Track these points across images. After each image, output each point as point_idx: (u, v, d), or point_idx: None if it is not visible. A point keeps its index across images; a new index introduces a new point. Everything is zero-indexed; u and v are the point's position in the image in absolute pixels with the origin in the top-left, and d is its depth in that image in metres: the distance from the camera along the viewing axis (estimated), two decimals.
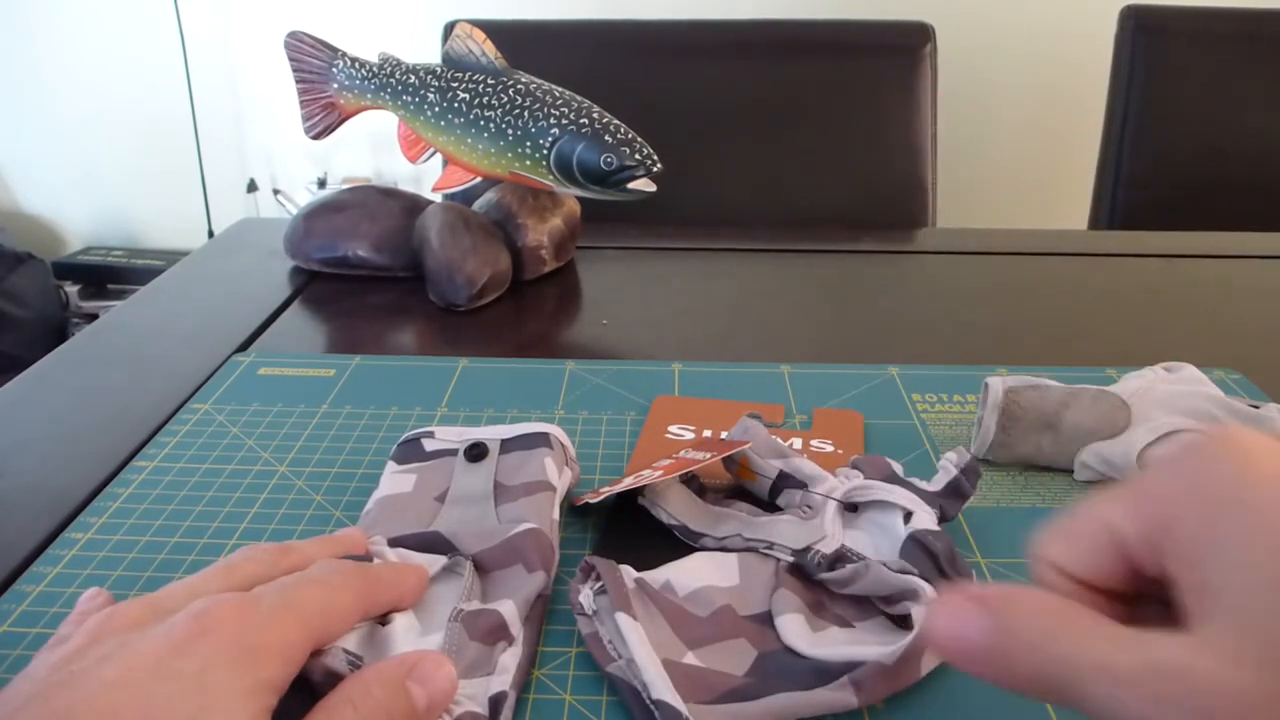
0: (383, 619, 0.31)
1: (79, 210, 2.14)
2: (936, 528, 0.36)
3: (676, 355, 0.57)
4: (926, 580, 0.33)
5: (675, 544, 0.38)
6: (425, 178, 1.89)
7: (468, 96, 0.62)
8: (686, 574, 0.35)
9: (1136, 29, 1.09)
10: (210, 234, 2.05)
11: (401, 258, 0.69)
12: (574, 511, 0.42)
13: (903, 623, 0.33)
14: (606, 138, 0.60)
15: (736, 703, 0.30)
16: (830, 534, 0.37)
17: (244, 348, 0.59)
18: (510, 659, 0.31)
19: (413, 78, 0.65)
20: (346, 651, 0.28)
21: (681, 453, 0.42)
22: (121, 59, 1.97)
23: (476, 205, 0.70)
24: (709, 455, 0.39)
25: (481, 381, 0.54)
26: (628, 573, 0.34)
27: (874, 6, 1.55)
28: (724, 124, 1.05)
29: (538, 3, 1.78)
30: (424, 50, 1.56)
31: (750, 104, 1.04)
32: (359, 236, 0.69)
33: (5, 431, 0.49)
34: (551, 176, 0.61)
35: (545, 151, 0.61)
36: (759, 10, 1.33)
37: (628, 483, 0.39)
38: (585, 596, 0.33)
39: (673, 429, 0.48)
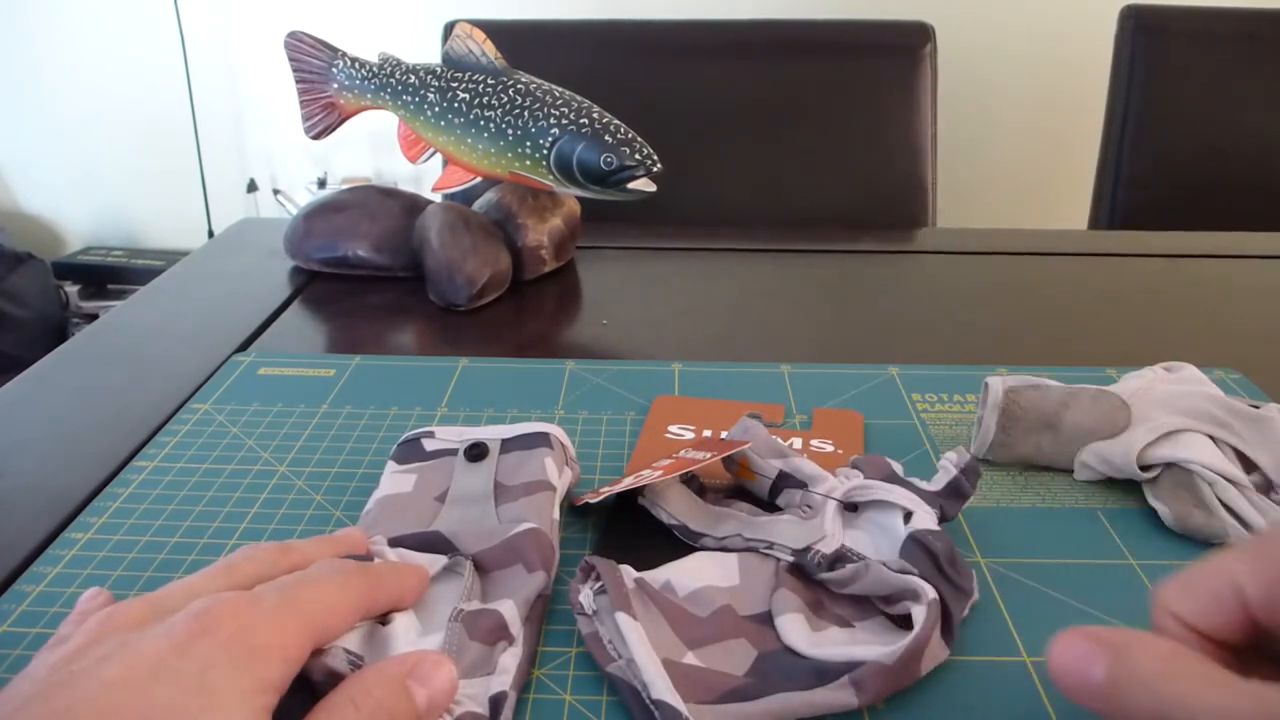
0: (383, 619, 0.31)
1: (79, 210, 2.14)
2: (936, 528, 0.36)
3: (676, 355, 0.57)
4: (926, 580, 0.33)
5: (675, 544, 0.38)
6: (425, 178, 1.89)
7: (468, 96, 0.62)
8: (686, 574, 0.35)
9: (1136, 29, 1.09)
10: (210, 234, 2.05)
11: (401, 258, 0.69)
12: (574, 511, 0.42)
13: (903, 623, 0.33)
14: (606, 138, 0.60)
15: (736, 703, 0.30)
16: (830, 534, 0.37)
17: (244, 348, 0.59)
18: (510, 659, 0.31)
19: (413, 78, 0.65)
20: (347, 651, 0.28)
21: (681, 453, 0.42)
22: (121, 59, 1.97)
23: (476, 205, 0.70)
24: (709, 455, 0.39)
25: (481, 381, 0.54)
26: (628, 573, 0.34)
27: (874, 6, 1.55)
28: (724, 124, 1.05)
29: (538, 3, 1.79)
30: (424, 50, 1.56)
31: (750, 104, 1.04)
32: (359, 236, 0.69)
33: (5, 431, 0.49)
34: (551, 176, 0.61)
35: (545, 151, 0.61)
36: (759, 10, 1.33)
37: (628, 483, 0.39)
38: (585, 596, 0.33)
39: (673, 429, 0.48)
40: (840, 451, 0.46)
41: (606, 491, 0.39)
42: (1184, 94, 1.10)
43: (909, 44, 1.04)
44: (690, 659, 0.32)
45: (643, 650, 0.30)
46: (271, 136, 2.03)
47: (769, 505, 0.40)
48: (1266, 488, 0.41)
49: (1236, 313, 0.66)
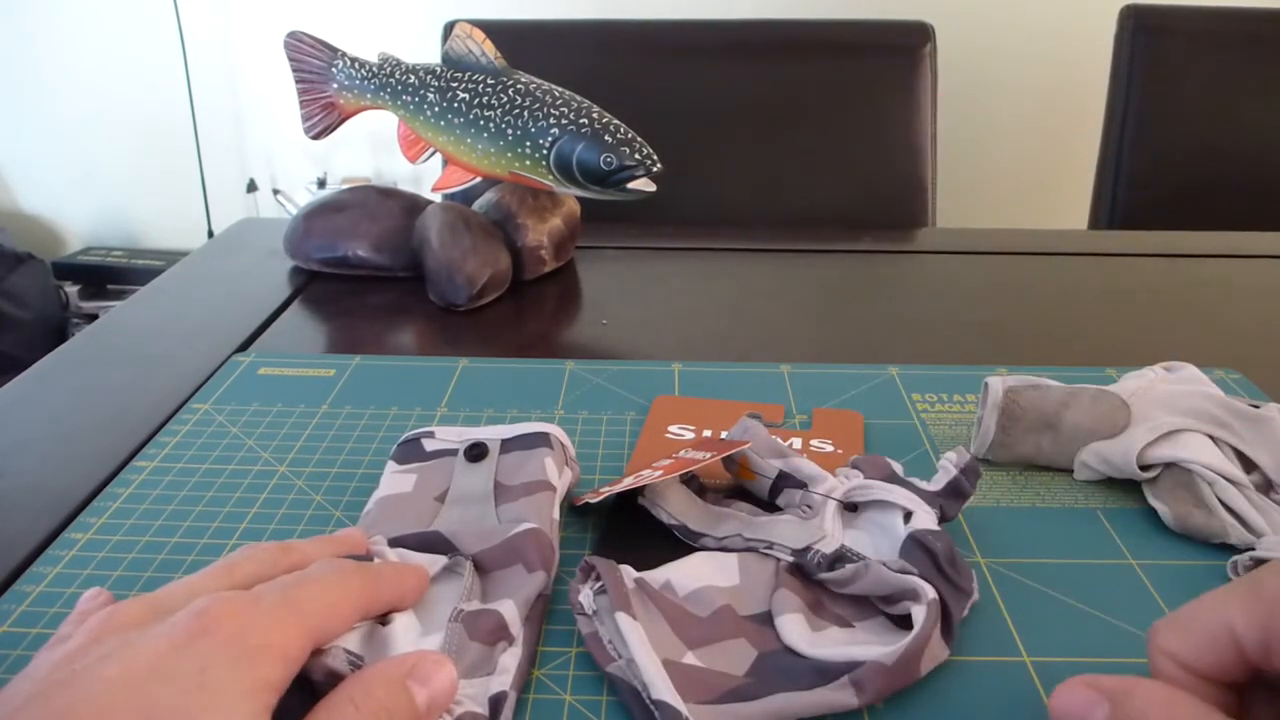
0: (383, 619, 0.31)
1: (79, 210, 2.14)
2: (936, 527, 0.36)
3: (676, 355, 0.57)
4: (926, 580, 0.33)
5: (675, 544, 0.38)
6: (425, 178, 1.89)
7: (467, 96, 0.62)
8: (686, 574, 0.35)
9: (1136, 29, 1.09)
10: (210, 234, 2.05)
11: (401, 258, 0.69)
12: (574, 511, 0.42)
13: (903, 623, 0.33)
14: (606, 138, 0.60)
15: (736, 703, 0.30)
16: (830, 534, 0.37)
17: (244, 348, 0.59)
18: (510, 659, 0.31)
19: (412, 78, 0.65)
20: (347, 651, 0.28)
21: (681, 453, 0.42)
22: (121, 59, 1.97)
23: (476, 205, 0.70)
24: (709, 455, 0.39)
25: (481, 381, 0.54)
26: (628, 573, 0.34)
27: (874, 6, 1.55)
28: (724, 124, 1.05)
29: (538, 3, 1.79)
30: (424, 50, 1.56)
31: (750, 104, 1.04)
32: (359, 236, 0.69)
33: (5, 431, 0.49)
34: (551, 176, 0.61)
35: (545, 151, 0.61)
36: (759, 10, 1.33)
37: (628, 483, 0.39)
38: (585, 596, 0.33)
39: (673, 429, 0.48)
40: (840, 451, 0.46)
41: (606, 491, 0.39)
42: (1184, 94, 1.10)
43: (909, 44, 1.04)
44: (690, 659, 0.32)
45: (643, 650, 0.30)
46: (271, 136, 2.03)
47: (769, 505, 0.40)
48: (1266, 488, 0.41)
49: (1236, 313, 0.66)
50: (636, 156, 0.60)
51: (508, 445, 0.41)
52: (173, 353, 0.58)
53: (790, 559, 0.36)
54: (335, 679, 0.27)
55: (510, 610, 0.32)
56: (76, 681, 0.23)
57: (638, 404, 0.51)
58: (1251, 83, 1.10)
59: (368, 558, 0.33)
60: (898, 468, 0.40)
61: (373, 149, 1.99)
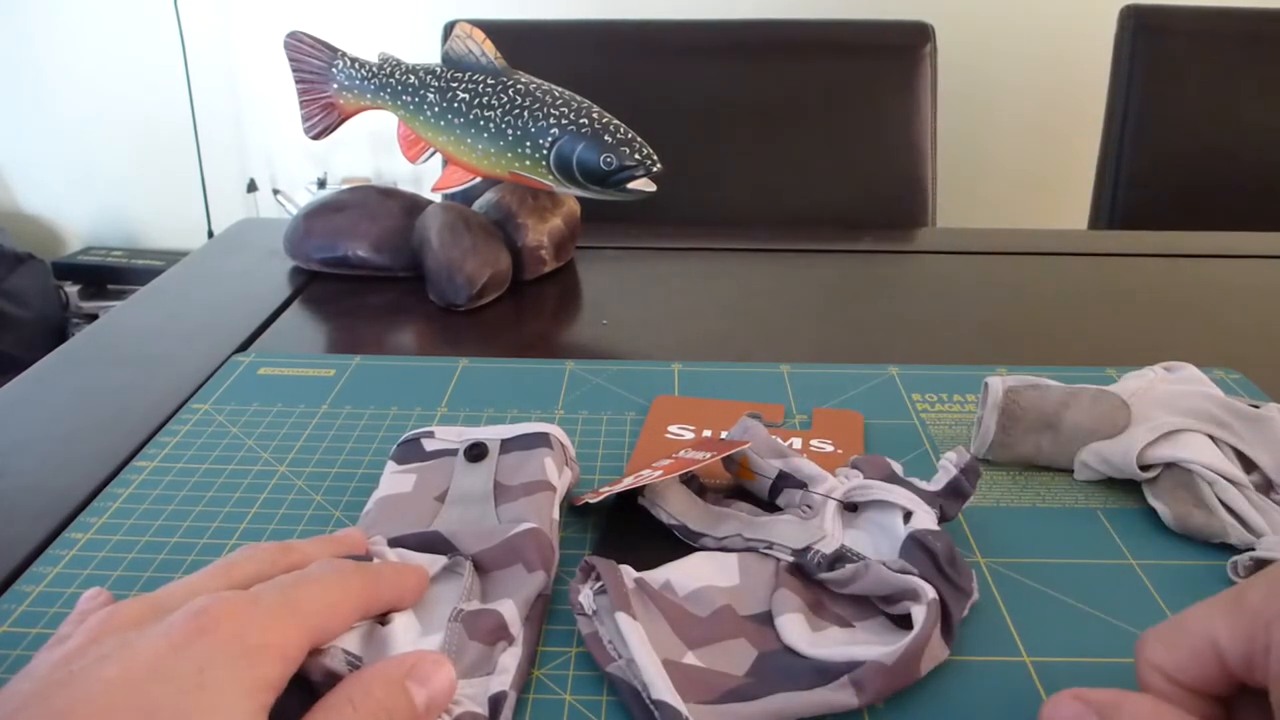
0: (382, 619, 0.31)
1: (79, 210, 2.14)
2: (936, 527, 0.36)
3: (676, 355, 0.57)
4: (926, 580, 0.33)
5: (675, 544, 0.38)
6: (425, 178, 1.89)
7: (467, 96, 0.62)
8: (686, 574, 0.35)
9: (1136, 29, 1.09)
10: (210, 234, 2.05)
11: (401, 258, 0.69)
12: (574, 511, 0.42)
13: (903, 623, 0.33)
14: (606, 138, 0.60)
15: (736, 703, 0.30)
16: (830, 534, 0.37)
17: (244, 348, 0.59)
18: (510, 659, 0.31)
19: (413, 78, 0.65)
20: (346, 651, 0.28)
21: (681, 453, 0.42)
22: (121, 59, 1.97)
23: (476, 205, 0.70)
24: (709, 455, 0.39)
25: (481, 381, 0.54)
26: (628, 573, 0.34)
27: (874, 6, 1.55)
28: (724, 124, 1.05)
29: (538, 3, 1.79)
30: (424, 50, 1.56)
31: (750, 104, 1.04)
32: (359, 236, 0.69)
33: (5, 431, 0.49)
34: (551, 176, 0.61)
35: (545, 151, 0.61)
36: (759, 10, 1.33)
37: (628, 483, 0.39)
38: (585, 596, 0.33)
39: (673, 429, 0.48)
40: (840, 451, 0.46)
41: (606, 491, 0.39)
42: (1184, 94, 1.10)
43: (909, 44, 1.04)
44: (690, 659, 0.32)
45: (643, 650, 0.30)
46: (271, 136, 2.03)
47: (769, 505, 0.40)
48: (1266, 488, 0.41)
49: (1236, 313, 0.66)
50: (636, 156, 0.60)
51: (508, 445, 0.41)
52: (173, 353, 0.58)
53: (790, 559, 0.36)
54: (334, 679, 0.27)
55: (510, 610, 0.32)
56: (75, 682, 0.23)
57: (638, 404, 0.51)
58: (1251, 83, 1.10)
59: (367, 558, 0.33)
60: (898, 468, 0.40)
61: (373, 149, 1.99)
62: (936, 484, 0.38)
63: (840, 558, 0.35)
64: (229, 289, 0.69)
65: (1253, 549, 0.38)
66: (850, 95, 1.05)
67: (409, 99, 0.65)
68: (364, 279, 0.69)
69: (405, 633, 0.31)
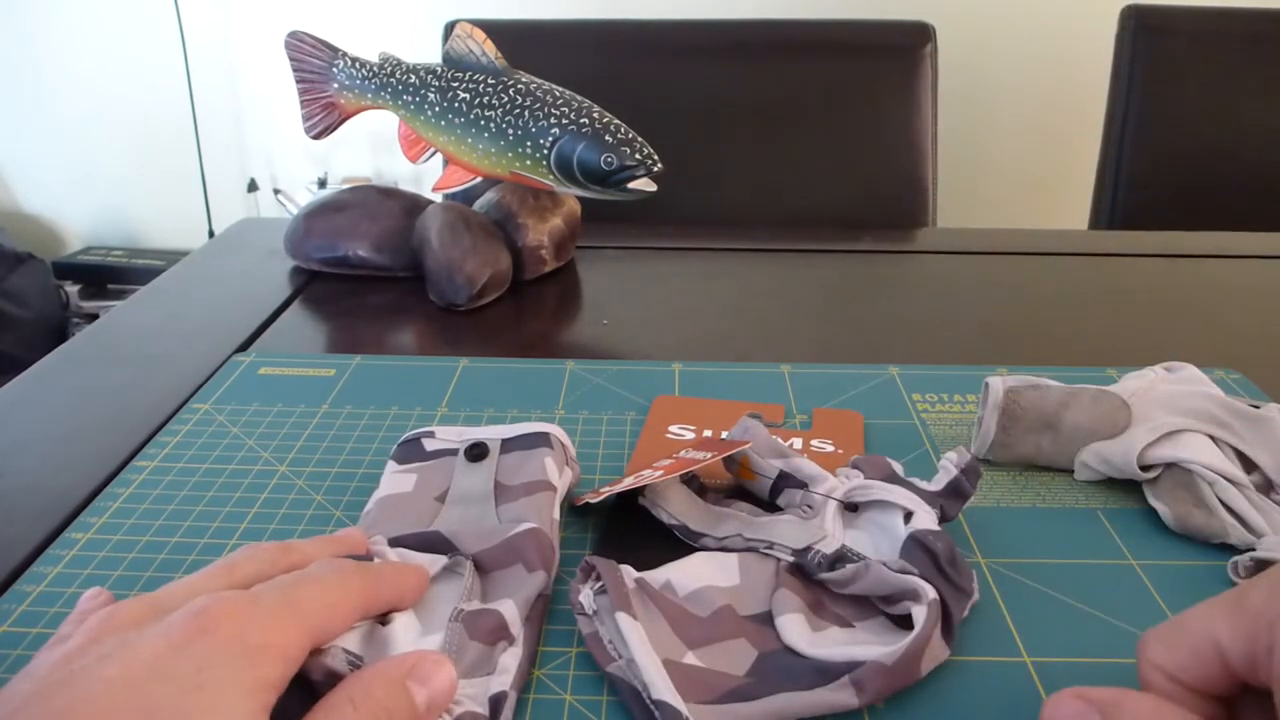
0: (383, 619, 0.31)
1: (79, 210, 2.14)
2: (937, 528, 0.36)
3: (676, 355, 0.57)
4: (926, 580, 0.33)
5: (675, 544, 0.38)
6: (425, 178, 1.89)
7: (468, 96, 0.62)
8: (687, 574, 0.35)
9: (1136, 29, 1.09)
10: (210, 234, 2.05)
11: (401, 258, 0.69)
12: (574, 511, 0.42)
13: (903, 623, 0.33)
14: (606, 138, 0.60)
15: (736, 703, 0.30)
16: (830, 534, 0.37)
17: (244, 348, 0.59)
18: (510, 659, 0.31)
19: (413, 77, 0.65)
20: (346, 651, 0.28)
21: (681, 453, 0.42)
22: (121, 59, 1.97)
23: (476, 205, 0.70)
24: (709, 455, 0.39)
25: (481, 381, 0.54)
26: (628, 573, 0.34)
27: (874, 6, 1.55)
28: (724, 124, 1.05)
29: (538, 3, 1.78)
30: (424, 50, 1.56)
31: (750, 104, 1.04)
32: (359, 236, 0.69)
33: (5, 431, 0.49)
34: (552, 176, 0.61)
35: (545, 151, 0.61)
36: (759, 10, 1.33)
37: (628, 483, 0.39)
38: (585, 596, 0.33)
39: (673, 429, 0.48)
40: (840, 451, 0.46)
41: (606, 491, 0.39)
42: (1184, 94, 1.10)
43: (909, 44, 1.04)
44: (690, 659, 0.32)
45: (643, 650, 0.30)
46: (271, 136, 2.03)
47: (769, 505, 0.40)
48: (1266, 488, 0.41)
49: (1236, 313, 0.66)
50: (637, 156, 0.60)
51: (508, 445, 0.41)
52: (173, 353, 0.58)
53: (791, 559, 0.36)
54: (334, 679, 0.27)
55: (510, 610, 0.32)
56: (75, 681, 0.23)
57: (638, 404, 0.51)
58: (1252, 83, 1.10)
59: (368, 558, 0.33)
60: (898, 468, 0.40)
61: (373, 149, 1.99)
62: (937, 484, 0.38)
63: (841, 558, 0.35)
64: (229, 289, 0.69)
65: (1253, 549, 0.38)
66: (850, 95, 1.05)
67: (410, 99, 0.65)
68: (364, 279, 0.69)
69: (406, 632, 0.31)
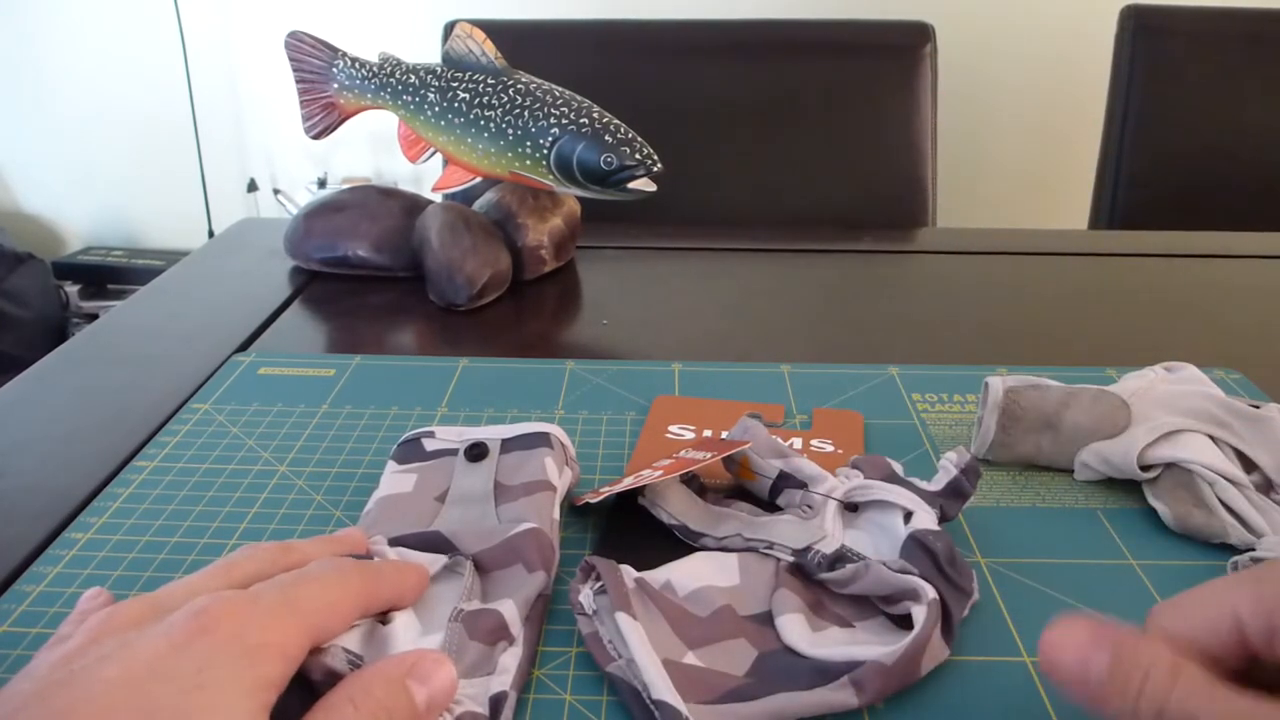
0: (383, 618, 0.31)
1: (79, 210, 2.14)
2: (937, 527, 0.36)
3: (676, 355, 0.57)
4: (926, 580, 0.33)
5: (675, 544, 0.38)
6: (425, 178, 1.89)
7: (468, 96, 0.62)
8: (686, 574, 0.35)
9: (1136, 29, 1.09)
10: (210, 234, 2.05)
11: (401, 258, 0.69)
12: (574, 511, 0.42)
13: (903, 623, 0.33)
14: (606, 138, 0.60)
15: (736, 703, 0.30)
16: (830, 534, 0.37)
17: (244, 348, 0.59)
18: (510, 659, 0.31)
19: (413, 77, 0.65)
20: (346, 650, 0.28)
21: (681, 453, 0.42)
22: (121, 59, 1.97)
23: (476, 205, 0.70)
24: (709, 455, 0.39)
25: (481, 381, 0.54)
26: (628, 573, 0.34)
27: (874, 6, 1.55)
28: (724, 124, 1.05)
29: (538, 3, 1.78)
30: (424, 50, 1.56)
31: (750, 104, 1.04)
32: (359, 236, 0.69)
33: (5, 431, 0.49)
34: (551, 176, 0.61)
35: (545, 151, 0.61)
36: (759, 10, 1.33)
37: (628, 483, 0.39)
38: (585, 596, 0.33)
39: (673, 429, 0.48)
40: (840, 451, 0.46)
41: (606, 491, 0.39)
42: (1184, 94, 1.10)
43: (909, 44, 1.04)
44: (690, 659, 0.32)
45: (643, 650, 0.30)
46: (271, 136, 2.03)
47: (769, 505, 0.40)
48: (1266, 488, 0.41)
49: (1236, 313, 0.66)
50: (637, 156, 0.60)
51: (508, 445, 0.41)
52: (173, 353, 0.58)
53: (790, 559, 0.36)
54: (334, 678, 0.27)
55: (510, 610, 0.32)
56: (75, 682, 0.23)
57: (638, 404, 0.51)
58: (1251, 83, 1.10)
59: (368, 557, 0.33)
60: (898, 468, 0.40)
61: (373, 149, 1.99)
62: (937, 484, 0.38)
63: (840, 558, 0.35)
64: (229, 289, 0.69)
65: (1253, 549, 0.38)
66: (850, 95, 1.05)
67: (409, 99, 0.65)
68: (364, 279, 0.69)
69: (406, 632, 0.31)
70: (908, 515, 0.36)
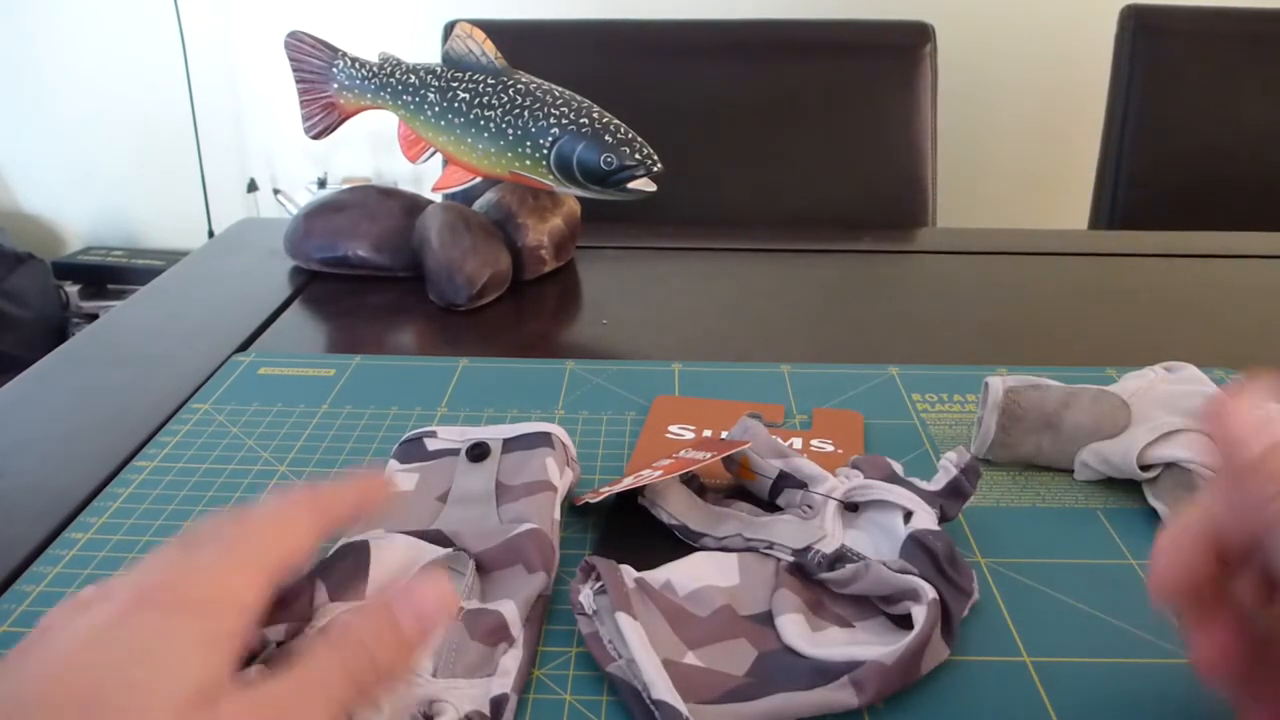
0: None
1: (79, 210, 2.14)
2: (936, 527, 0.36)
3: (676, 355, 0.57)
4: (926, 580, 0.33)
5: (675, 544, 0.38)
6: (425, 178, 1.89)
7: (468, 96, 0.62)
8: (686, 574, 0.35)
9: (1136, 29, 1.09)
10: (210, 234, 2.05)
11: (401, 258, 0.69)
12: (574, 511, 0.42)
13: (903, 623, 0.33)
14: (606, 138, 0.60)
15: (736, 703, 0.30)
16: (830, 534, 0.37)
17: (244, 348, 0.59)
18: (511, 661, 0.31)
19: (413, 77, 0.65)
20: None
21: (681, 453, 0.42)
22: (121, 59, 1.97)
23: (476, 205, 0.70)
24: (709, 455, 0.39)
25: (481, 381, 0.54)
26: (628, 573, 0.34)
27: (874, 6, 1.55)
28: (724, 124, 1.05)
29: (538, 3, 1.78)
30: (424, 50, 1.56)
31: (750, 104, 1.04)
32: (359, 236, 0.69)
33: (5, 431, 0.49)
34: (551, 176, 0.61)
35: (545, 151, 0.61)
36: (759, 10, 1.33)
37: (628, 483, 0.39)
38: (585, 596, 0.33)
39: (673, 429, 0.48)
40: (840, 451, 0.46)
41: (606, 491, 0.39)
42: (1184, 94, 1.10)
43: (909, 44, 1.04)
44: (690, 659, 0.32)
45: (643, 650, 0.30)
46: (271, 136, 2.03)
47: (769, 505, 0.40)
48: None
49: (1236, 313, 0.66)
50: (637, 156, 0.60)
51: (509, 445, 0.41)
52: (173, 353, 0.58)
53: (790, 559, 0.36)
54: None
55: (511, 611, 0.32)
56: (20, 667, 0.23)
57: (638, 404, 0.51)
58: (1251, 83, 1.10)
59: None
60: (898, 468, 0.40)
61: (373, 149, 1.98)
62: (937, 484, 0.38)
63: (840, 558, 0.35)
64: (229, 289, 0.69)
65: None
66: (850, 95, 1.05)
67: (409, 99, 0.65)
68: (364, 279, 0.69)
69: None
70: (908, 515, 0.36)
